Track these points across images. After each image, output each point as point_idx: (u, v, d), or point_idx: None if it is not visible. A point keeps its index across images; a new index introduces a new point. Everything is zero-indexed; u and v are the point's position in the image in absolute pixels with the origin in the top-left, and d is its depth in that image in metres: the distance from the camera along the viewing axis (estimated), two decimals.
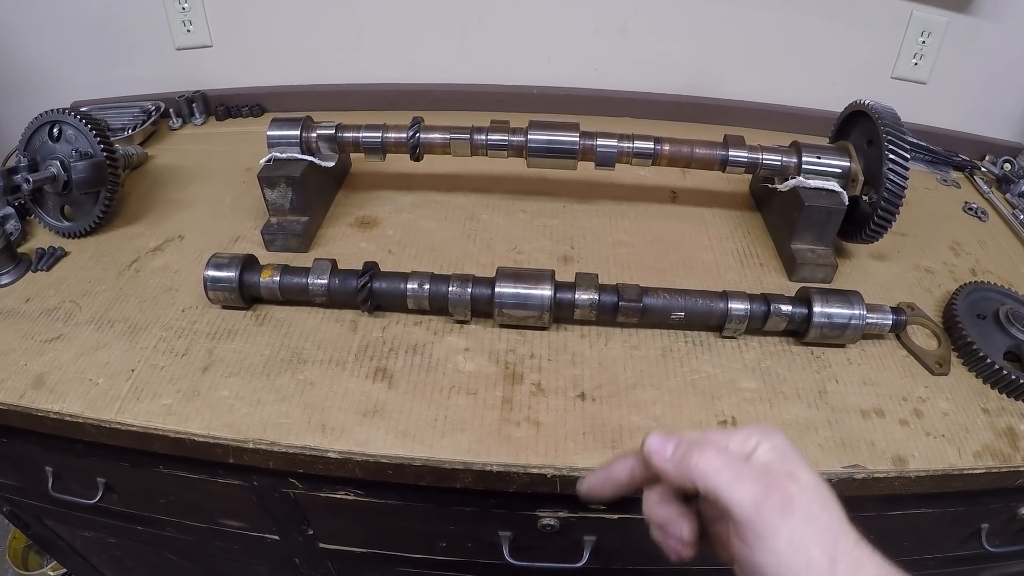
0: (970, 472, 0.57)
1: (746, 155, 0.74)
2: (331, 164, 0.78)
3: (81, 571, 1.01)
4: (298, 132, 0.75)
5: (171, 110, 1.02)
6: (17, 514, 0.89)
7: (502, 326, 0.66)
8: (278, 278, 0.66)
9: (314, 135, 0.76)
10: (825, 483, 0.31)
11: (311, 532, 0.72)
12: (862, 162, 0.72)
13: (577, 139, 0.73)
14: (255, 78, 1.05)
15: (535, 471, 0.54)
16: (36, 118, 0.77)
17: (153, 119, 0.99)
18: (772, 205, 0.81)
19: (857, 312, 0.63)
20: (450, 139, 0.74)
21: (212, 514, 0.74)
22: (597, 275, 0.65)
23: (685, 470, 0.30)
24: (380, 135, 0.75)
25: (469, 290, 0.63)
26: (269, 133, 0.76)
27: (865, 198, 0.72)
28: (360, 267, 0.66)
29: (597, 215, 0.83)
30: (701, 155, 0.75)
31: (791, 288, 0.72)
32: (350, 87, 1.05)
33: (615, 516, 0.62)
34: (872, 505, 0.64)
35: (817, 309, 0.63)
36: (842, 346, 0.67)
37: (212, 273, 0.65)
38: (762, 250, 0.79)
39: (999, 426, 0.60)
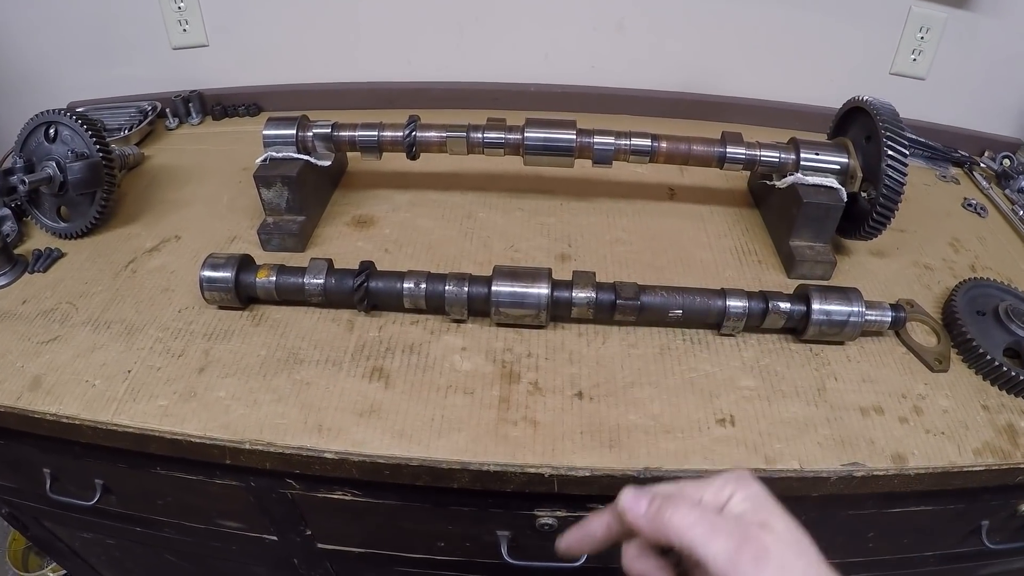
0: (970, 469, 0.57)
1: (744, 152, 0.74)
2: (327, 163, 0.78)
3: (81, 572, 1.01)
4: (294, 131, 0.75)
5: (168, 110, 1.02)
6: (16, 516, 0.89)
7: (499, 325, 0.66)
8: (274, 278, 0.65)
9: (310, 134, 0.76)
10: (800, 529, 0.31)
11: (309, 532, 0.72)
12: (860, 158, 0.72)
13: (574, 137, 0.73)
14: (252, 77, 1.05)
15: (532, 471, 0.54)
16: (32, 119, 0.76)
17: (150, 119, 0.99)
18: (770, 202, 0.81)
19: (856, 309, 0.63)
20: (446, 137, 0.74)
21: (210, 515, 0.74)
22: (594, 273, 0.64)
23: (659, 526, 0.31)
24: (376, 134, 0.75)
25: (466, 289, 0.63)
26: (265, 132, 0.75)
27: (864, 194, 0.71)
28: (356, 266, 0.65)
29: (595, 213, 0.83)
30: (698, 152, 0.74)
31: (790, 285, 0.72)
32: (347, 86, 1.05)
33: None
34: (872, 502, 0.64)
35: (815, 306, 0.63)
36: (841, 343, 0.66)
37: (208, 273, 0.65)
38: (760, 247, 0.78)
39: (999, 423, 0.60)
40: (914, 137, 0.96)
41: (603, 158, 0.74)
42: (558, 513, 0.62)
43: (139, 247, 0.78)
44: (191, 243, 0.78)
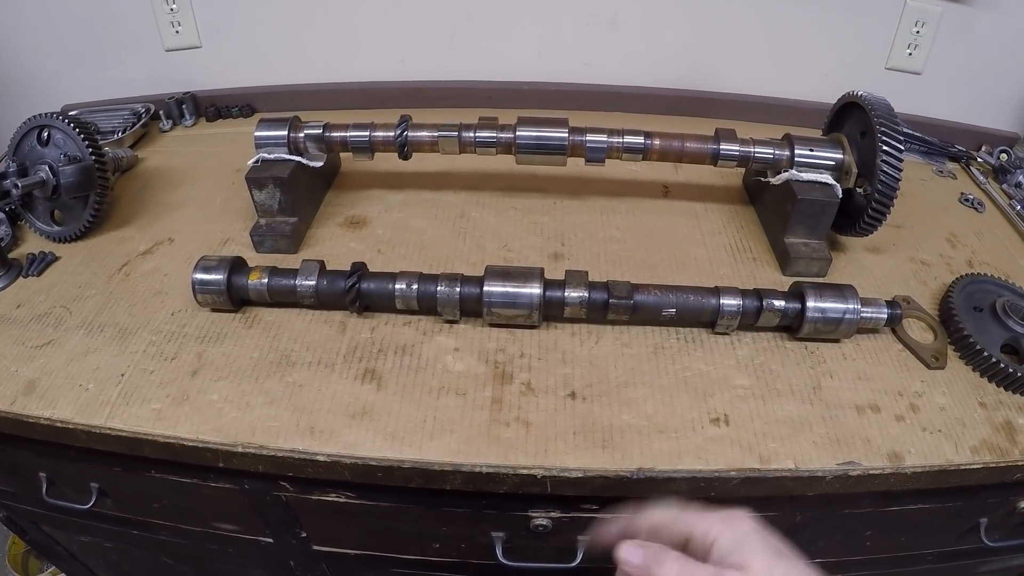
0: (967, 467, 0.56)
1: (737, 148, 0.73)
2: (319, 164, 0.78)
3: (79, 575, 1.01)
4: (286, 132, 0.74)
5: (161, 112, 1.02)
6: (14, 520, 0.89)
7: (492, 325, 0.65)
8: (266, 280, 0.65)
9: (302, 135, 0.75)
10: (782, 562, 0.34)
11: (304, 535, 0.72)
12: (855, 154, 0.71)
13: (566, 135, 0.73)
14: (245, 78, 1.05)
15: (525, 472, 0.54)
16: (25, 123, 0.76)
17: (143, 121, 0.99)
18: (765, 199, 0.80)
19: (851, 306, 0.62)
20: (438, 137, 0.74)
21: (205, 518, 0.74)
22: (587, 272, 0.64)
23: None
24: (368, 134, 0.75)
25: (457, 290, 0.62)
26: (257, 134, 0.75)
27: (859, 190, 0.71)
28: (349, 268, 0.65)
29: (588, 211, 0.82)
30: (692, 149, 0.74)
31: (785, 283, 0.71)
32: (341, 86, 1.04)
33: (609, 516, 0.62)
34: (868, 501, 0.64)
35: (810, 304, 0.62)
36: (837, 341, 0.66)
37: (200, 276, 0.65)
38: (755, 244, 0.78)
39: (996, 420, 0.60)
40: (910, 132, 0.96)
41: (596, 156, 0.73)
42: (552, 514, 0.62)
43: (132, 250, 0.78)
44: (184, 245, 0.78)
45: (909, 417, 0.59)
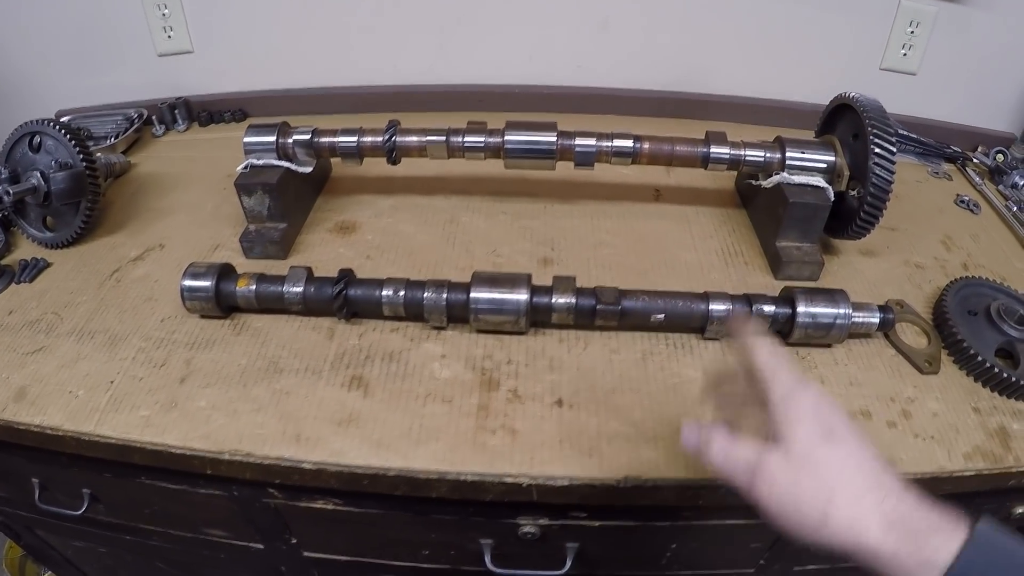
0: (960, 474, 0.56)
1: (728, 151, 0.73)
2: (308, 170, 0.78)
3: None
4: (274, 138, 0.74)
5: (154, 117, 1.02)
6: (8, 524, 0.89)
7: (479, 332, 0.65)
8: (254, 287, 0.65)
9: (290, 141, 0.75)
10: (824, 445, 0.37)
11: (294, 541, 0.71)
12: (848, 156, 0.70)
13: (554, 139, 0.72)
14: (237, 83, 1.05)
15: (510, 480, 0.53)
16: (16, 129, 0.77)
17: (136, 127, 0.99)
18: (757, 202, 0.80)
19: (843, 311, 0.62)
20: (426, 142, 0.73)
21: (196, 524, 0.74)
22: (575, 278, 0.64)
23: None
24: (356, 139, 0.74)
25: (444, 296, 0.62)
26: (246, 140, 0.75)
27: (852, 193, 0.70)
28: (336, 274, 0.65)
29: (579, 215, 0.82)
30: (682, 152, 0.73)
31: (776, 287, 0.71)
32: (333, 90, 1.04)
33: (597, 523, 0.62)
34: None
35: (801, 309, 0.62)
36: (828, 346, 0.65)
37: (189, 283, 0.65)
38: (747, 248, 0.77)
39: (990, 426, 0.59)
40: (905, 133, 0.95)
41: (584, 160, 0.73)
42: (540, 522, 0.61)
43: (124, 256, 0.78)
44: (175, 252, 0.78)
45: (901, 423, 0.59)
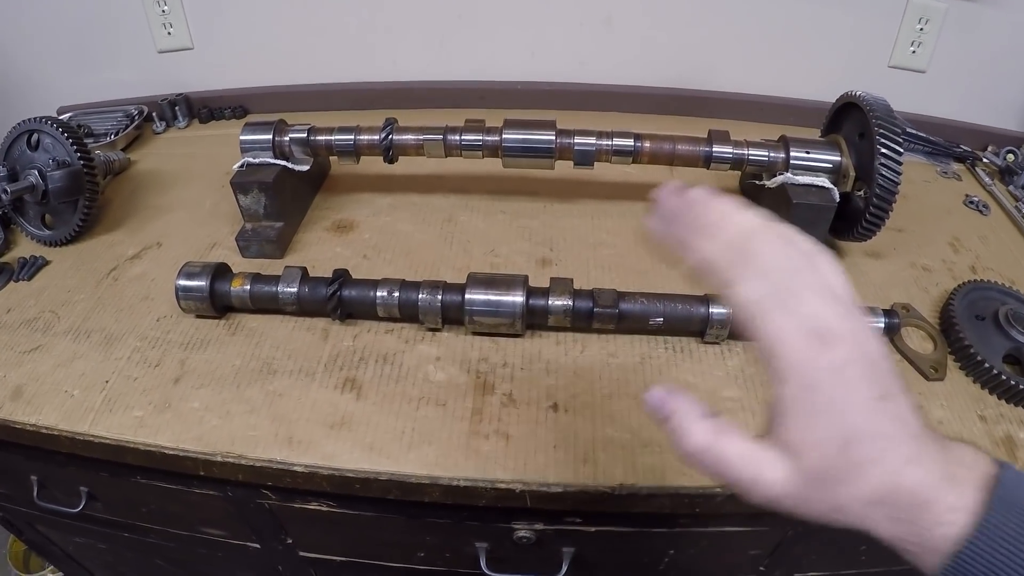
0: None
1: (731, 151, 0.71)
2: (305, 168, 0.77)
3: (76, 575, 1.02)
4: (270, 136, 0.74)
5: (154, 114, 1.02)
6: (10, 520, 0.90)
7: (475, 334, 0.64)
8: (248, 287, 0.65)
9: (287, 139, 0.75)
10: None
11: (290, 541, 0.71)
12: (853, 156, 0.69)
13: (553, 138, 0.71)
14: (237, 79, 1.04)
15: (503, 486, 0.53)
16: (15, 127, 0.76)
17: (136, 123, 0.99)
18: (761, 203, 0.78)
19: None
20: (423, 140, 0.73)
21: (192, 522, 0.74)
22: (572, 280, 0.63)
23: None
24: (352, 138, 0.74)
25: (439, 297, 0.61)
26: (242, 138, 0.74)
27: (858, 194, 0.69)
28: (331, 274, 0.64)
29: (578, 215, 0.81)
30: (684, 152, 0.72)
31: None
32: (333, 87, 1.04)
33: (592, 529, 0.61)
34: None
35: None
36: None
37: (184, 282, 0.65)
38: None
39: (997, 434, 0.58)
40: (914, 132, 0.93)
41: (584, 159, 0.72)
42: (536, 526, 0.61)
43: (121, 254, 0.77)
44: (172, 250, 0.77)
45: None
